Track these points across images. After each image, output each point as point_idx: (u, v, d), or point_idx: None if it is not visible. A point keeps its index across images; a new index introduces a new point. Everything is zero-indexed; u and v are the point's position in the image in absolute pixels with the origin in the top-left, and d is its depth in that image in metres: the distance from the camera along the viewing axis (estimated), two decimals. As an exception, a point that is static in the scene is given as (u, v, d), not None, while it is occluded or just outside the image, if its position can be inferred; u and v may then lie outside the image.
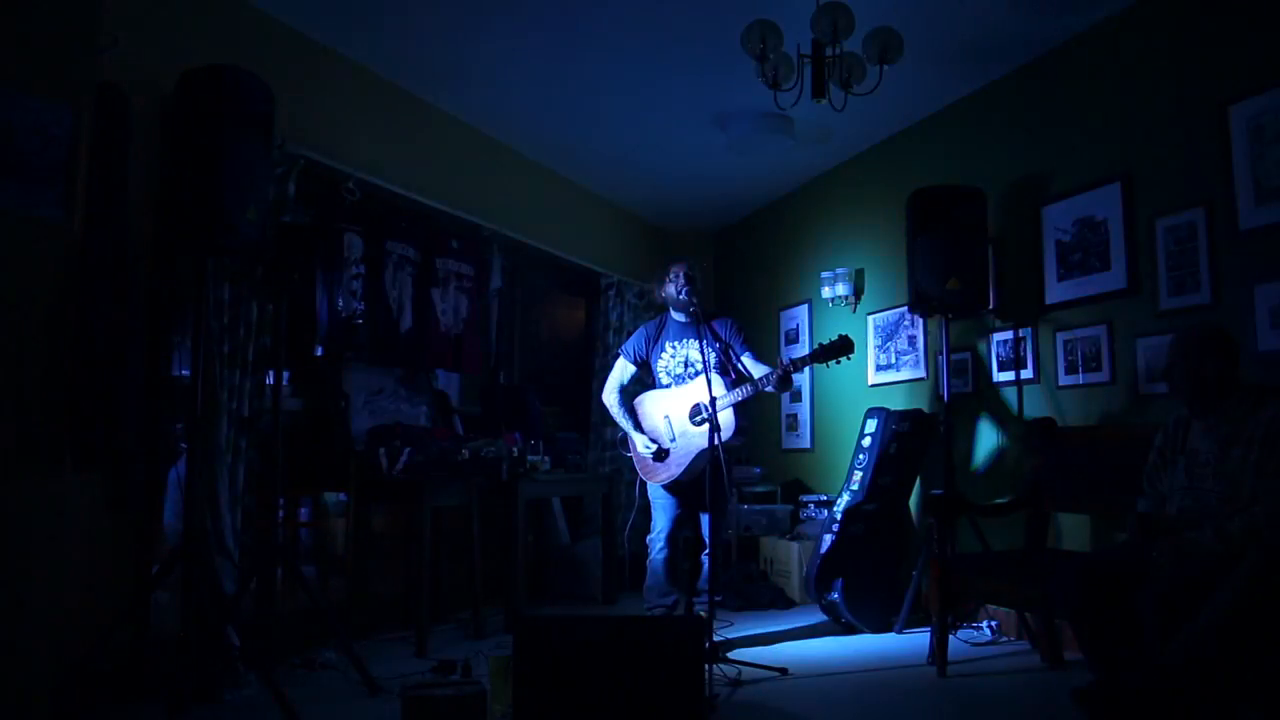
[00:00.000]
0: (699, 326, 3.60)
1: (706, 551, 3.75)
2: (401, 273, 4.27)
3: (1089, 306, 3.65)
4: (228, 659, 2.94)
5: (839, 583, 3.99)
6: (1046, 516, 3.51)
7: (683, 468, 3.73)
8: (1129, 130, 3.54)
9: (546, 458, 4.49)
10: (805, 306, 5.65)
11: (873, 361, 4.97)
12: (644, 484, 3.99)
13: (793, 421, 5.74)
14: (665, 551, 3.85)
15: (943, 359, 3.80)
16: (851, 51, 3.14)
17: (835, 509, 4.17)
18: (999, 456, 4.09)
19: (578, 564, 4.97)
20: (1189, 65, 3.30)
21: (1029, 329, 3.94)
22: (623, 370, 4.01)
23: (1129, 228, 3.50)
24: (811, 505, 5.06)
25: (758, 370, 3.64)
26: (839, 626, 4.06)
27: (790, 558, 4.86)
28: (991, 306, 4.04)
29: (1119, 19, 3.58)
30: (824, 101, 3.19)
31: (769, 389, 3.52)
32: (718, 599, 3.92)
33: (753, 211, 6.34)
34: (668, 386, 3.88)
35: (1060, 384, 3.77)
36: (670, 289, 3.77)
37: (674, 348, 3.86)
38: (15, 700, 2.15)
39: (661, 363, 3.89)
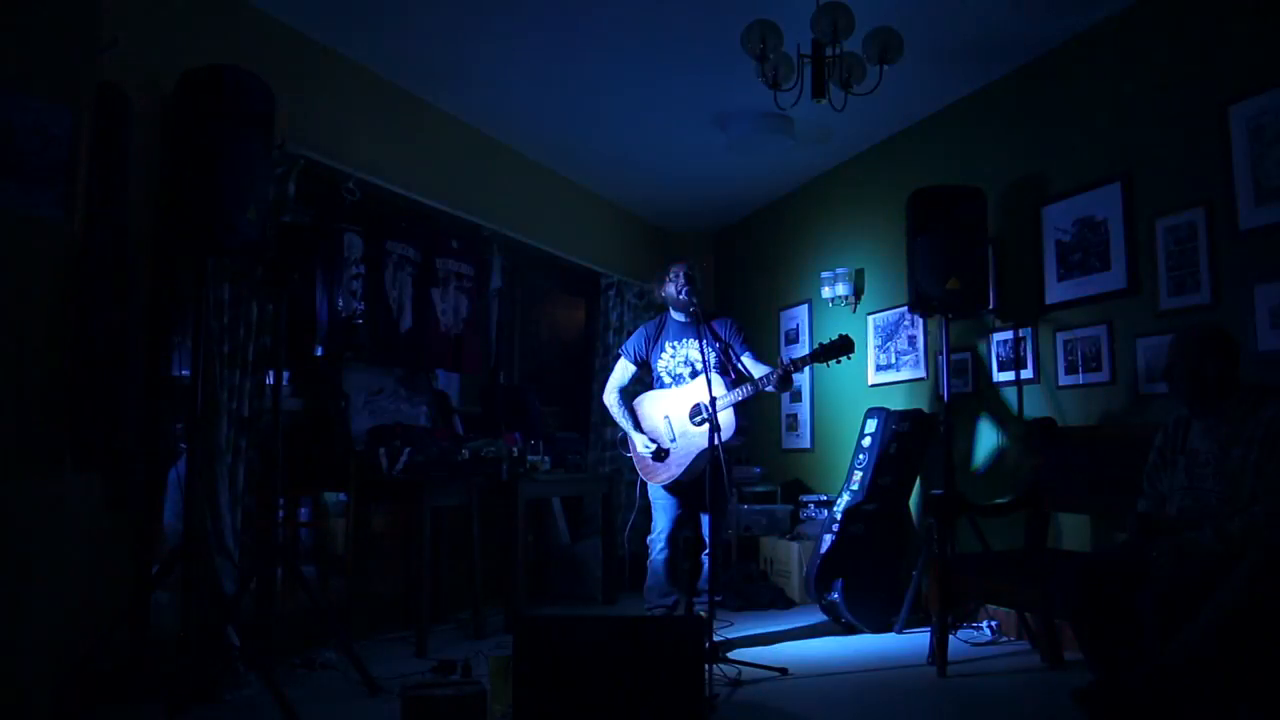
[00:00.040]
0: (699, 326, 3.60)
1: (706, 551, 3.74)
2: (401, 273, 4.27)
3: (1089, 306, 3.65)
4: (228, 659, 2.94)
5: (839, 583, 3.99)
6: (1046, 516, 3.51)
7: (683, 468, 3.73)
8: (1129, 130, 3.54)
9: (546, 458, 4.49)
10: (805, 306, 5.65)
11: (873, 361, 4.97)
12: (644, 484, 3.99)
13: (793, 421, 5.74)
14: (665, 552, 3.85)
15: (943, 359, 3.79)
16: (851, 51, 3.14)
17: (835, 509, 4.17)
18: (999, 456, 4.09)
19: (578, 564, 4.96)
20: (1189, 65, 3.30)
21: (1029, 329, 3.94)
22: (623, 370, 4.01)
23: (1129, 228, 3.49)
24: (811, 505, 5.06)
25: (758, 370, 3.64)
26: (839, 626, 4.06)
27: (790, 558, 4.86)
28: (991, 306, 4.04)
29: (1119, 19, 3.58)
30: (824, 101, 3.19)
31: (769, 389, 3.52)
32: (718, 599, 3.91)
33: (753, 211, 6.34)
34: (668, 386, 3.88)
35: (1060, 384, 3.77)
36: (670, 289, 3.77)
37: (674, 347, 3.86)
38: (15, 700, 2.15)
39: (661, 362, 3.89)
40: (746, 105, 4.41)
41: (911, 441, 4.21)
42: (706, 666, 2.62)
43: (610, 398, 4.00)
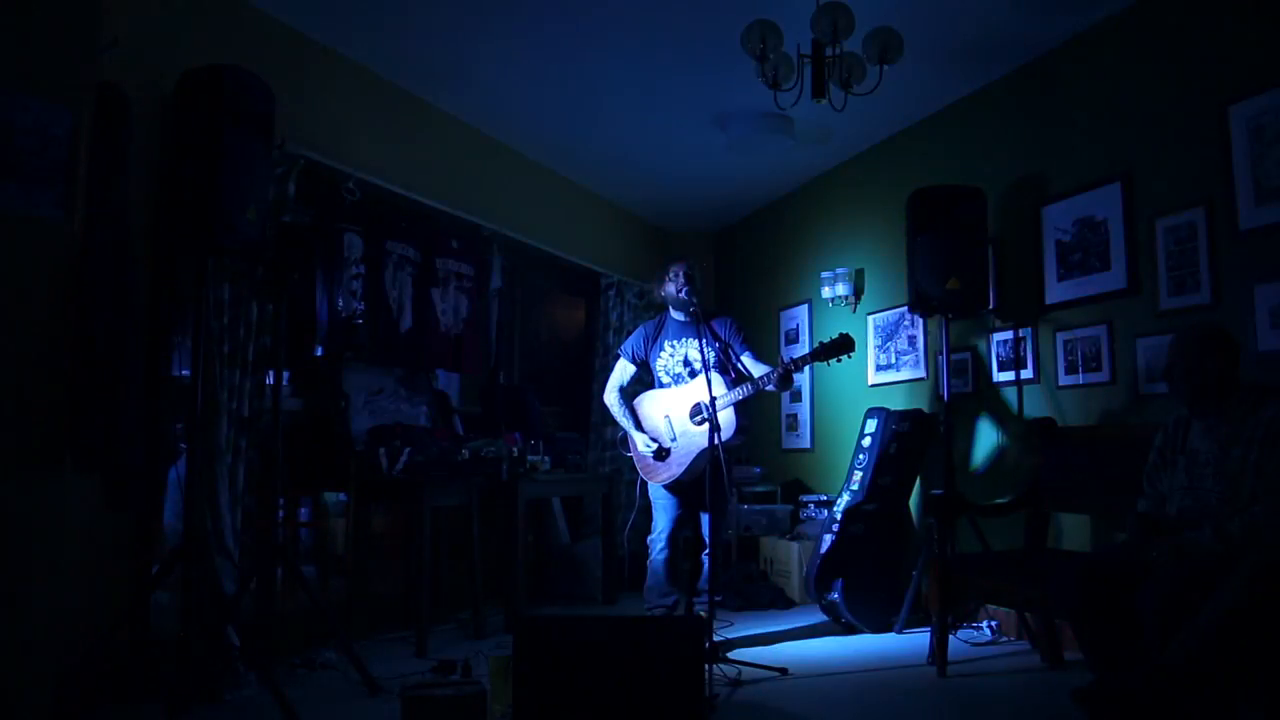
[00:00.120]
0: (698, 326, 3.60)
1: (706, 551, 3.74)
2: (401, 273, 4.27)
3: (1089, 306, 3.65)
4: (228, 659, 2.94)
5: (839, 583, 3.99)
6: (1046, 516, 3.51)
7: (684, 467, 3.73)
8: (1129, 130, 3.54)
9: (546, 458, 4.49)
10: (805, 306, 5.65)
11: (873, 361, 4.97)
12: (644, 484, 3.99)
13: (793, 421, 5.74)
14: (666, 552, 3.85)
15: (943, 359, 3.79)
16: (851, 51, 3.14)
17: (835, 509, 4.17)
18: (999, 456, 4.09)
19: (578, 564, 4.96)
20: (1189, 65, 3.30)
21: (1029, 329, 3.94)
22: (623, 370, 4.01)
23: (1129, 228, 3.50)
24: (811, 505, 5.06)
25: (758, 369, 3.64)
26: (839, 626, 4.06)
27: (790, 558, 4.86)
28: (991, 306, 4.04)
29: (1119, 19, 3.58)
30: (824, 101, 3.19)
31: (769, 388, 3.52)
32: (718, 599, 3.91)
33: (753, 211, 6.34)
34: (667, 386, 3.88)
35: (1060, 384, 3.77)
36: (670, 288, 3.77)
37: (673, 347, 3.86)
38: (15, 700, 2.15)
39: (661, 362, 3.89)
40: (746, 105, 4.41)
41: (911, 441, 4.21)
42: (706, 666, 2.62)
43: (611, 397, 4.01)
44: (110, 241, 2.66)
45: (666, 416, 3.81)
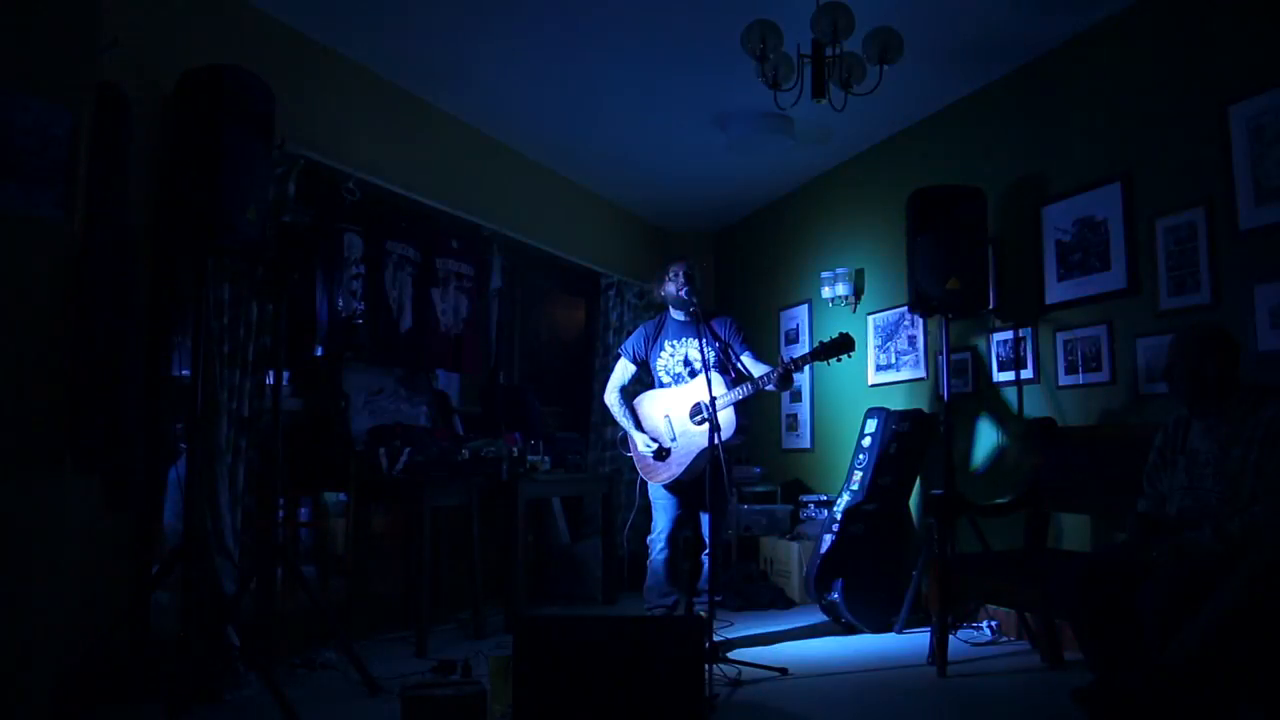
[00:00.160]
0: (698, 325, 3.60)
1: (706, 551, 3.74)
2: (401, 273, 4.27)
3: (1089, 306, 3.65)
4: (228, 659, 2.94)
5: (839, 583, 3.99)
6: (1046, 516, 3.51)
7: (684, 467, 3.73)
8: (1129, 130, 3.54)
9: (546, 458, 4.49)
10: (805, 306, 5.65)
11: (873, 361, 4.97)
12: (644, 484, 3.99)
13: (793, 421, 5.74)
14: (665, 552, 3.85)
15: (943, 359, 3.79)
16: (851, 51, 3.14)
17: (835, 509, 4.17)
18: (999, 456, 4.09)
19: (578, 564, 4.96)
20: (1189, 65, 3.30)
21: (1029, 329, 3.94)
22: (623, 370, 4.01)
23: (1129, 228, 3.49)
24: (811, 505, 5.06)
25: (757, 369, 3.64)
26: (839, 626, 4.06)
27: (790, 558, 4.86)
28: (991, 306, 4.04)
29: (1119, 19, 3.58)
30: (824, 101, 3.19)
31: (769, 388, 3.52)
32: (718, 599, 3.91)
33: (753, 211, 6.34)
34: (667, 386, 3.88)
35: (1060, 384, 3.77)
36: (670, 287, 3.77)
37: (673, 347, 3.86)
38: (15, 700, 2.15)
39: (661, 362, 3.89)
40: (746, 105, 4.41)
41: (911, 441, 4.21)
42: (706, 666, 2.62)
43: (611, 397, 4.01)
44: (110, 241, 2.66)
45: (666, 416, 3.81)
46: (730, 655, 3.36)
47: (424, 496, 3.65)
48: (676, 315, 3.89)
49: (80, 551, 2.70)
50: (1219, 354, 2.53)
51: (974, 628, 3.92)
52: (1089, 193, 3.67)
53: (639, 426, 3.91)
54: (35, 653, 2.20)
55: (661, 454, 3.80)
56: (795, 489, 5.41)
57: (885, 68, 3.14)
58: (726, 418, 3.53)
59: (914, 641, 3.79)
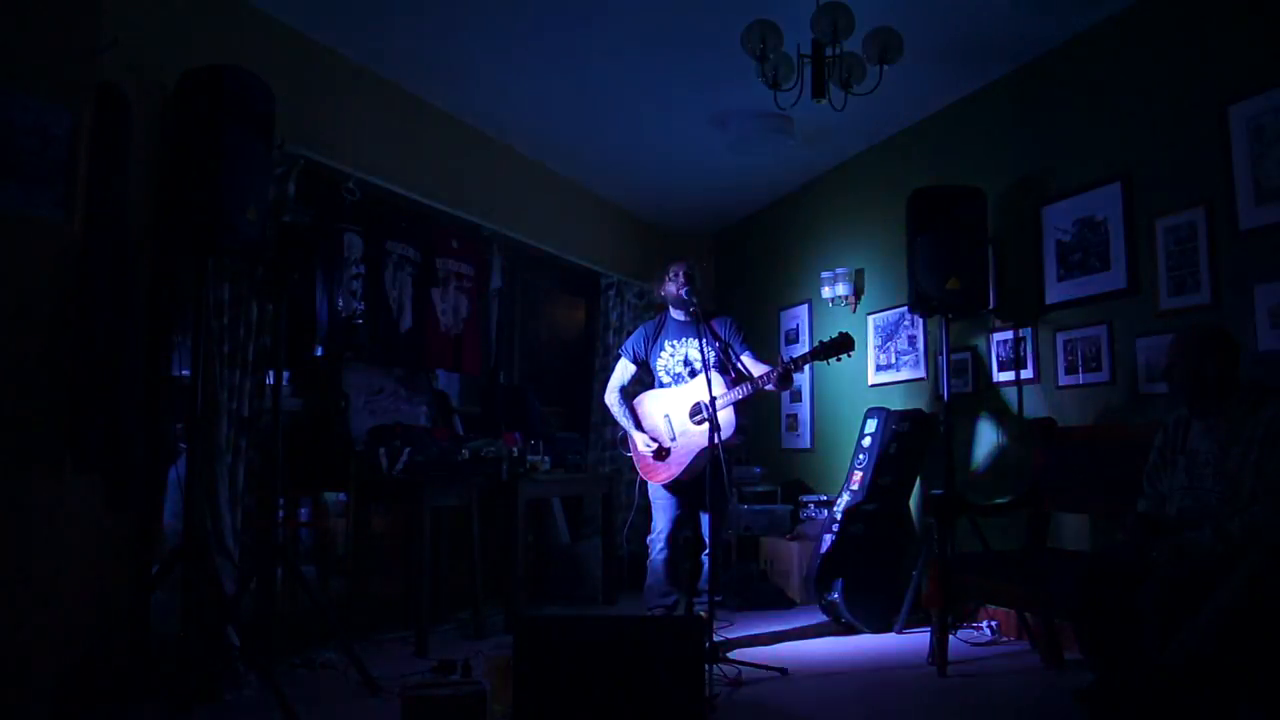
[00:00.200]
0: (698, 325, 3.60)
1: (706, 551, 3.74)
2: (401, 273, 4.27)
3: (1089, 306, 3.65)
4: (228, 659, 2.94)
5: (839, 583, 3.99)
6: (1046, 516, 3.51)
7: (683, 466, 3.73)
8: (1129, 130, 3.54)
9: (546, 458, 4.49)
10: (805, 306, 5.65)
11: (873, 361, 4.97)
12: (644, 484, 3.99)
13: (793, 421, 5.74)
14: (665, 551, 3.85)
15: (943, 359, 3.79)
16: (851, 51, 3.14)
17: (835, 509, 4.17)
18: (999, 456, 4.09)
19: (578, 564, 4.96)
20: (1189, 65, 3.30)
21: (1029, 329, 3.94)
22: (623, 370, 4.01)
23: (1129, 228, 3.50)
24: (811, 505, 5.06)
25: (757, 369, 3.64)
26: (839, 626, 4.06)
27: (790, 558, 4.86)
28: (991, 306, 4.04)
29: (1119, 19, 3.58)
30: (824, 101, 3.19)
31: (769, 387, 3.52)
32: (718, 599, 3.91)
33: (753, 211, 6.34)
34: (667, 386, 3.88)
35: (1060, 384, 3.77)
36: (670, 287, 3.77)
37: (673, 346, 3.86)
38: (15, 700, 2.15)
39: (661, 362, 3.89)
40: (746, 105, 4.41)
41: (911, 441, 4.21)
42: (706, 666, 2.62)
43: (611, 397, 4.01)
44: (110, 241, 2.66)
45: (666, 416, 3.81)
46: (730, 655, 3.36)
47: (424, 496, 3.65)
48: (676, 315, 3.89)
49: (80, 551, 2.70)
50: (1219, 354, 2.53)
51: (974, 628, 3.92)
52: (1089, 193, 3.67)
53: (639, 426, 3.91)
54: (35, 652, 2.20)
55: (661, 453, 3.80)
56: (795, 489, 5.41)
57: (885, 68, 3.14)
58: (726, 417, 3.53)
59: (914, 641, 3.79)
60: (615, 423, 4.06)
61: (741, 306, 6.15)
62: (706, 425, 3.48)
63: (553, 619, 3.07)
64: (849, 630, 4.00)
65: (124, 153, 2.78)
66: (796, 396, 5.66)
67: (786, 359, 3.53)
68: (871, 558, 4.08)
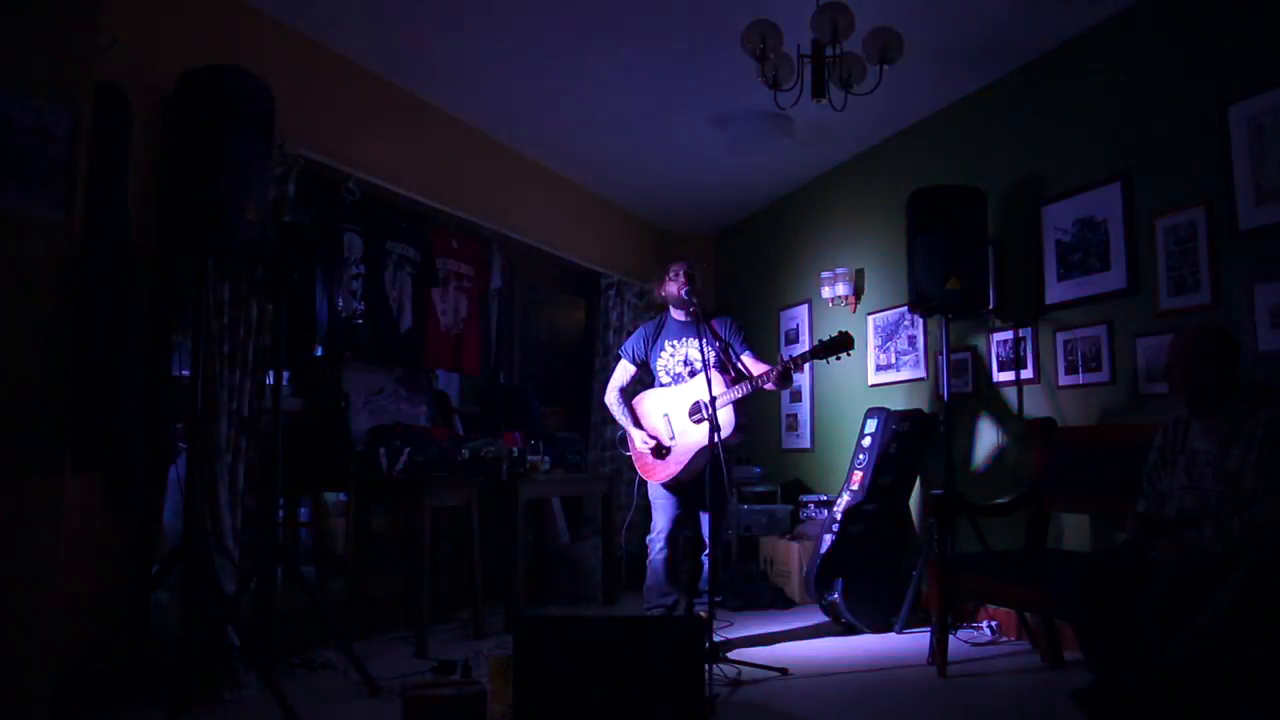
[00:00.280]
0: (698, 325, 3.60)
1: (706, 551, 3.75)
2: (401, 273, 4.27)
3: (1089, 306, 3.65)
4: (228, 659, 2.94)
5: (839, 583, 3.99)
6: (1046, 516, 3.51)
7: (682, 465, 3.73)
8: (1129, 130, 3.54)
9: (546, 458, 4.49)
10: (805, 306, 5.65)
11: (873, 361, 4.97)
12: (643, 484, 3.99)
13: (793, 421, 5.74)
14: (665, 551, 3.85)
15: (943, 359, 3.79)
16: (851, 51, 3.14)
17: (835, 509, 4.17)
18: (999, 456, 4.09)
19: (578, 564, 4.96)
20: (1189, 65, 3.30)
21: (1029, 329, 3.94)
22: (623, 371, 4.02)
23: (1129, 228, 3.50)
24: (811, 505, 5.06)
25: (757, 368, 3.64)
26: (839, 626, 4.06)
27: (790, 558, 4.86)
28: (991, 306, 4.04)
29: (1119, 19, 3.58)
30: (824, 101, 3.19)
31: (769, 386, 3.52)
32: (718, 599, 3.92)
33: (753, 211, 6.34)
34: (667, 386, 3.88)
35: (1060, 384, 3.77)
36: (670, 287, 3.77)
37: (673, 346, 3.86)
38: (15, 700, 2.15)
39: (661, 361, 3.89)
40: (746, 105, 4.41)
41: (911, 441, 4.21)
42: (706, 666, 2.62)
43: (611, 397, 4.01)
44: (110, 241, 2.66)
45: (665, 415, 3.81)
46: (730, 655, 3.37)
47: (424, 496, 3.65)
48: (677, 315, 3.89)
49: (80, 551, 2.70)
50: (1219, 354, 2.54)
51: (974, 628, 3.92)
52: (1089, 193, 3.67)
53: (638, 425, 3.91)
54: (35, 653, 2.20)
55: (660, 451, 3.80)
56: (795, 489, 5.41)
57: (885, 68, 3.13)
58: (725, 417, 3.53)
59: (914, 641, 3.79)
60: (615, 422, 4.06)
61: (741, 306, 6.15)
62: (706, 424, 3.48)
63: (553, 619, 3.07)
64: (849, 630, 4.00)
65: (124, 152, 2.78)
66: (796, 396, 5.66)
67: (786, 358, 3.53)
68: (871, 558, 4.08)
